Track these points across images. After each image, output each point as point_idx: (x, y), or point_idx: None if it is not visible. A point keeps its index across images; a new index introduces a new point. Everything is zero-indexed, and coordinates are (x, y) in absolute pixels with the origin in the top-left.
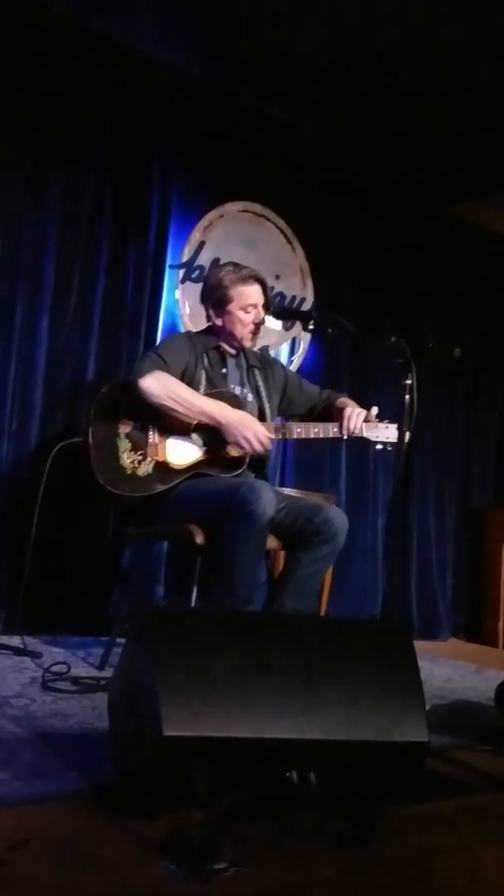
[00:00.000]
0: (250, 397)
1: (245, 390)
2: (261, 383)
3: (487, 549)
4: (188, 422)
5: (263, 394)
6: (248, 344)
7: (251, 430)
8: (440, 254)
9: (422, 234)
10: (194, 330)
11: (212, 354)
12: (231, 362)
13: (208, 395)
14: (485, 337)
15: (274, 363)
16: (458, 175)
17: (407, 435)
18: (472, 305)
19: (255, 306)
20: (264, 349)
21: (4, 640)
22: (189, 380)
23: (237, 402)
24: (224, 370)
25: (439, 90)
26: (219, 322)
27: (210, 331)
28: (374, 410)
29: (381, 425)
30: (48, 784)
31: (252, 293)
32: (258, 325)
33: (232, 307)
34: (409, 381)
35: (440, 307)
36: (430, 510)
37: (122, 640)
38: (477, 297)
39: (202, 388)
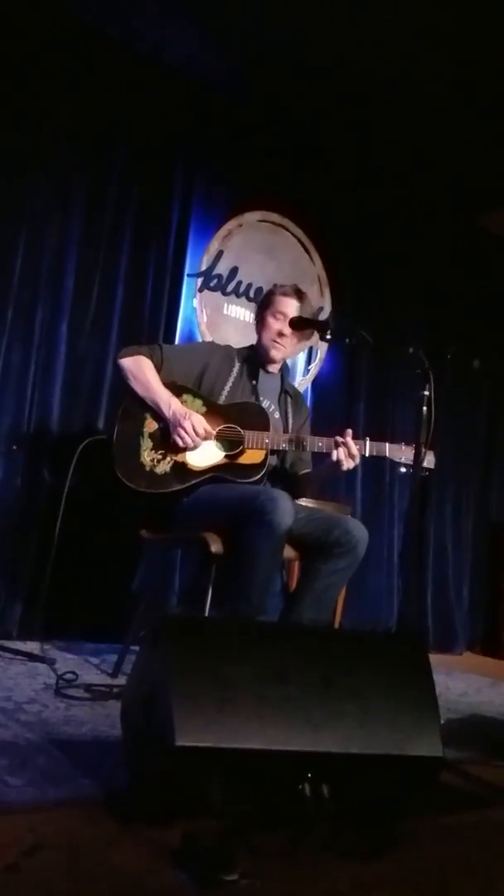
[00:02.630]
0: (277, 415)
1: (273, 407)
2: (290, 409)
3: None
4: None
5: (290, 418)
6: (273, 353)
7: (188, 422)
8: (460, 264)
9: (442, 244)
10: (210, 338)
11: (246, 367)
12: (264, 377)
13: (232, 405)
14: None
15: (304, 405)
16: (480, 185)
17: (429, 457)
18: (492, 316)
19: (284, 315)
20: (247, 346)
21: (18, 645)
22: (209, 386)
23: (263, 415)
24: (254, 381)
25: (464, 100)
26: (257, 329)
27: (253, 347)
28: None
29: (407, 448)
30: (61, 790)
31: (286, 303)
32: (282, 336)
33: (266, 312)
34: (426, 392)
35: (460, 318)
36: (447, 522)
37: (135, 648)
38: (498, 308)
39: (223, 396)
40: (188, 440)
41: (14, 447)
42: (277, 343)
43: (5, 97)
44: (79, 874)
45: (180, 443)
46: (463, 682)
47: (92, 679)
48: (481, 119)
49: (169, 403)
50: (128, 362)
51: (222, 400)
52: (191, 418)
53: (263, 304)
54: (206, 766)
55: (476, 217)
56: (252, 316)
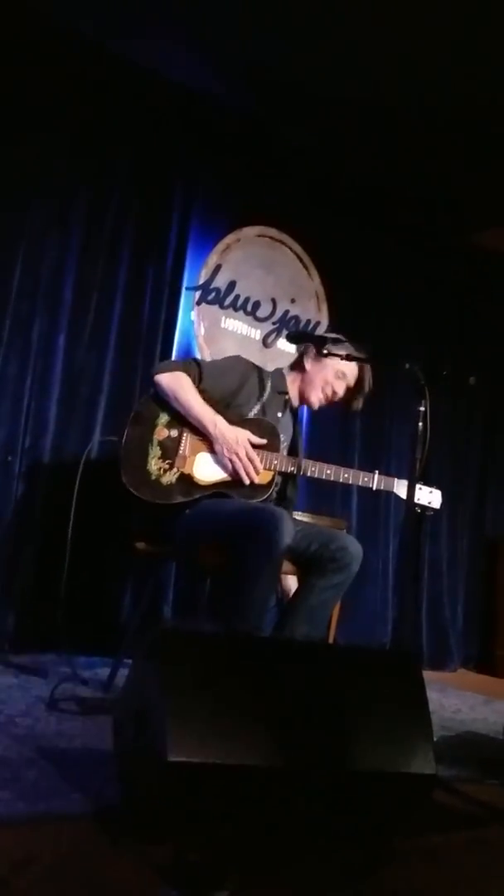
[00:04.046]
0: (286, 452)
1: (286, 442)
2: (299, 442)
3: (500, 578)
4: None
5: (297, 449)
6: (312, 403)
7: (242, 450)
8: (457, 281)
9: (439, 261)
10: (208, 350)
11: (276, 397)
12: (288, 413)
13: (245, 420)
14: (501, 364)
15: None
16: (477, 204)
17: (436, 497)
18: (488, 333)
19: (344, 376)
20: (277, 372)
21: (11, 657)
22: (240, 405)
23: (274, 432)
24: (279, 414)
25: (460, 118)
26: (308, 365)
27: (282, 374)
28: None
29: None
30: (52, 805)
31: (353, 375)
32: (335, 396)
33: (331, 369)
34: (422, 408)
35: (456, 334)
36: (442, 538)
37: (128, 661)
38: (493, 325)
39: (252, 416)
40: (245, 479)
41: (9, 458)
42: (325, 402)
43: (6, 111)
44: (69, 890)
45: (244, 477)
46: (457, 700)
47: (85, 692)
48: (479, 139)
49: (214, 422)
50: (166, 378)
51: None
52: (245, 446)
53: (326, 351)
54: (199, 782)
55: (472, 235)
56: (257, 333)
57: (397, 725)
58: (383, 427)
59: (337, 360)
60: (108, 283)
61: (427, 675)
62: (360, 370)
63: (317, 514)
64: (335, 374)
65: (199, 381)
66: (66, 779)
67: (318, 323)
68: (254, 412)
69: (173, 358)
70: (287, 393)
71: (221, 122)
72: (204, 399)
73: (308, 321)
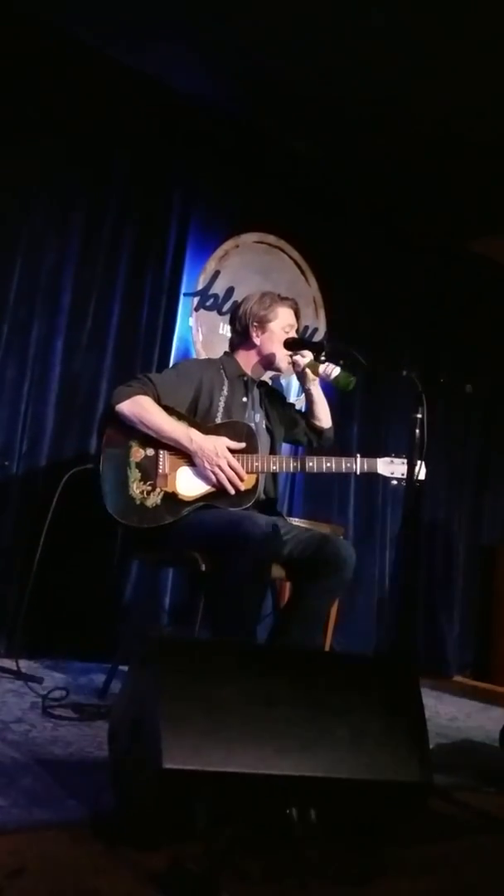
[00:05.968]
0: (264, 423)
1: (260, 417)
2: (272, 412)
3: (497, 586)
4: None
5: (276, 422)
6: (283, 365)
7: (224, 461)
8: (455, 288)
9: (437, 269)
10: (206, 356)
11: (236, 382)
12: (255, 391)
13: (219, 425)
14: (499, 372)
15: (279, 391)
16: (473, 211)
17: (420, 468)
18: (486, 341)
19: (292, 327)
20: (275, 378)
21: (6, 663)
22: (204, 408)
23: (250, 433)
24: (245, 399)
25: (459, 124)
26: (257, 340)
27: (231, 357)
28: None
29: (397, 461)
30: (46, 811)
31: (290, 316)
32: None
33: (274, 325)
34: (419, 415)
35: (454, 342)
36: (438, 545)
37: (124, 668)
38: (491, 333)
39: (219, 417)
40: (231, 489)
41: (6, 462)
42: (289, 356)
43: (5, 116)
44: None
45: (229, 488)
46: (453, 707)
47: (80, 699)
48: (478, 145)
49: (189, 437)
50: (128, 406)
51: (218, 419)
52: (225, 455)
53: (266, 317)
54: (194, 790)
55: (470, 242)
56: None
57: (393, 733)
58: (380, 433)
59: (275, 319)
60: (106, 288)
61: (423, 681)
62: (294, 309)
63: (314, 520)
64: (285, 332)
65: (157, 399)
66: (61, 785)
67: (315, 329)
68: (221, 409)
69: (171, 363)
70: (245, 374)
71: (220, 129)
72: (169, 414)
73: (306, 328)
